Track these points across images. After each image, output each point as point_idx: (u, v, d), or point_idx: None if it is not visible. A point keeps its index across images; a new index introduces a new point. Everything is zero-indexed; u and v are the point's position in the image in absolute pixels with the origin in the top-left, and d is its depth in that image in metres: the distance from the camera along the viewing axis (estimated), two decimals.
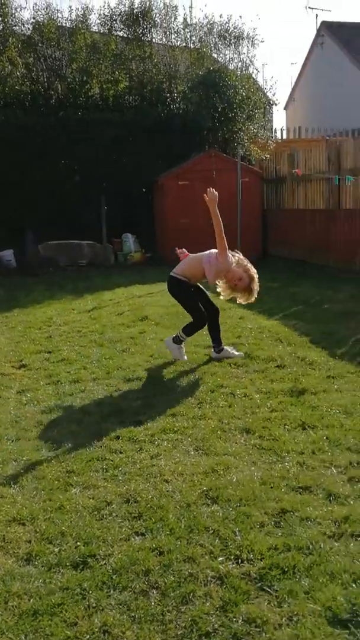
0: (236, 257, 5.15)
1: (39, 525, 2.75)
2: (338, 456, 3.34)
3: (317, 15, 23.57)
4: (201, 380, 4.81)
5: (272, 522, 2.69)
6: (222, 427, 3.85)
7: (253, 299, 5.12)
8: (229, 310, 7.61)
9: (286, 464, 3.27)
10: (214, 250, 5.18)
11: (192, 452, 3.49)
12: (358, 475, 3.09)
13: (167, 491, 3.01)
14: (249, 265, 5.08)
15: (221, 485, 3.03)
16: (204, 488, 3.02)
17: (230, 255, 5.10)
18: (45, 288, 10.11)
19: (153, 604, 2.19)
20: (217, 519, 2.72)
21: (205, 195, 5.15)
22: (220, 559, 2.44)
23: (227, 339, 6.03)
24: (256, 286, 5.06)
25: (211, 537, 2.59)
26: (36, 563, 2.46)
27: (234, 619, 2.10)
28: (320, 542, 2.51)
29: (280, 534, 2.59)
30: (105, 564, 2.43)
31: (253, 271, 5.07)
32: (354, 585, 2.23)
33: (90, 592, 2.26)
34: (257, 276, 5.07)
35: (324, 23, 22.45)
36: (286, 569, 2.34)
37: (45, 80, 13.61)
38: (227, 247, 5.05)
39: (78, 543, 2.59)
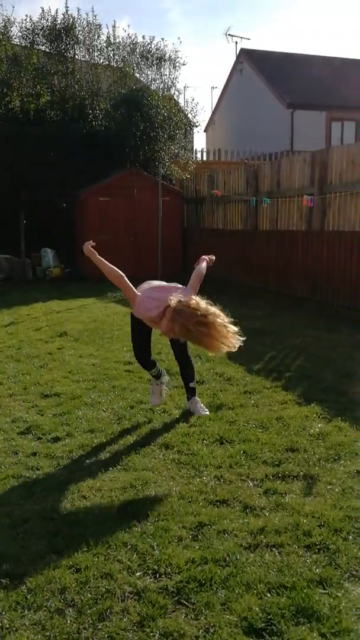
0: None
1: None
2: (254, 469, 3.41)
3: (236, 43, 24.24)
4: (120, 396, 4.79)
5: (190, 536, 2.71)
6: (141, 442, 3.85)
7: (216, 346, 3.27)
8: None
9: (204, 478, 3.31)
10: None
11: (111, 468, 3.47)
12: (273, 487, 3.17)
13: (85, 507, 2.98)
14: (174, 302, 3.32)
15: (139, 500, 3.03)
16: (123, 503, 3.00)
17: (143, 298, 3.68)
18: None
19: (69, 622, 2.15)
20: (135, 534, 2.71)
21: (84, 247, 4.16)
22: (138, 574, 2.43)
23: None
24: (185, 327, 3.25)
25: (129, 553, 2.57)
26: None
27: (151, 634, 2.09)
28: (236, 553, 2.55)
29: (197, 547, 2.61)
30: (19, 583, 2.37)
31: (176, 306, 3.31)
32: (268, 594, 2.28)
33: (4, 613, 2.19)
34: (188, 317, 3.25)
35: (243, 50, 23.19)
36: (203, 582, 2.36)
37: None
38: (132, 295, 3.72)
39: None
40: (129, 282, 3.76)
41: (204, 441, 3.85)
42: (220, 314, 3.24)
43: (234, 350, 3.26)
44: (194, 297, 3.41)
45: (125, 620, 2.16)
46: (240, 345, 3.30)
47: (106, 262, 3.88)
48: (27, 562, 2.52)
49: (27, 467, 3.48)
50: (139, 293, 3.75)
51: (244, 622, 2.14)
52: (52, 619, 2.17)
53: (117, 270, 3.82)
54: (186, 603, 2.25)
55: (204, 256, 4.20)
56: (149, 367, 4.38)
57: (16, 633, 2.09)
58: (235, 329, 3.26)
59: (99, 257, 3.95)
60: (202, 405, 4.45)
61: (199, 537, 2.70)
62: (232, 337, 3.24)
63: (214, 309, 3.26)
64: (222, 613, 2.19)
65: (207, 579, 2.37)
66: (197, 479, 3.29)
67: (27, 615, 2.19)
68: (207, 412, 4.36)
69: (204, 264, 4.09)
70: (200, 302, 3.31)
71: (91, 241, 4.16)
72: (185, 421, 4.22)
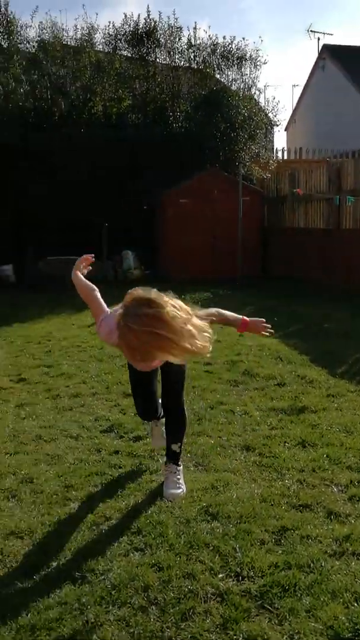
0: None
1: (37, 539, 2.72)
2: (338, 474, 3.32)
3: (318, 39, 23.83)
4: (200, 397, 4.80)
5: (273, 540, 2.67)
6: (222, 443, 3.83)
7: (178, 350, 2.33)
8: (228, 328, 7.61)
9: (286, 481, 3.25)
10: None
11: (192, 468, 3.47)
12: (359, 494, 3.07)
13: (167, 507, 2.99)
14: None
15: (221, 501, 3.01)
16: (204, 504, 3.00)
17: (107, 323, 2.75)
18: (44, 303, 10.11)
19: (152, 620, 2.16)
20: (217, 536, 2.70)
21: None
22: (221, 575, 2.41)
23: (226, 356, 6.04)
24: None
25: (211, 554, 2.56)
26: (35, 577, 2.43)
27: (235, 637, 2.07)
28: (321, 560, 2.49)
29: (280, 551, 2.57)
30: (104, 579, 2.41)
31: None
32: (355, 604, 2.21)
33: (89, 607, 2.23)
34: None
35: (325, 46, 22.75)
36: (287, 587, 2.32)
37: (49, 97, 13.74)
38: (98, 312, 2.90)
39: (76, 558, 2.56)
40: (100, 298, 2.94)
41: (286, 444, 3.79)
42: (180, 308, 2.32)
43: (207, 355, 2.46)
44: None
45: (208, 621, 2.15)
46: (209, 352, 2.46)
47: (82, 277, 3.13)
48: (110, 559, 2.56)
49: (110, 465, 3.54)
50: (108, 310, 2.82)
51: (330, 630, 2.09)
52: (136, 616, 2.19)
53: (90, 284, 3.06)
54: (270, 608, 2.22)
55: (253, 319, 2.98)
56: (157, 415, 3.45)
57: (101, 628, 2.12)
58: (207, 329, 2.44)
59: (80, 276, 3.14)
60: (181, 480, 3.21)
61: (282, 541, 2.66)
62: (200, 338, 2.37)
63: (174, 302, 2.32)
64: (307, 620, 2.14)
65: (291, 585, 2.33)
66: (279, 482, 3.24)
67: (112, 610, 2.22)
68: (182, 492, 3.13)
69: (238, 318, 2.92)
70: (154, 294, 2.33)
71: (83, 263, 3.26)
72: (266, 423, 4.17)
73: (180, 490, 3.15)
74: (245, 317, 2.91)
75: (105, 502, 3.07)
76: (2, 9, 14.34)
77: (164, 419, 3.45)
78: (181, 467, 3.28)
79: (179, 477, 3.22)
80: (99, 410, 4.56)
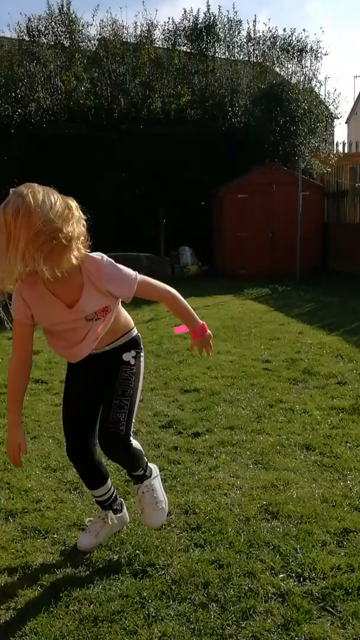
0: None
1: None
2: None
3: None
4: (259, 395, 4.76)
5: (335, 542, 2.62)
6: (282, 442, 3.79)
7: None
8: (287, 325, 7.54)
9: (348, 482, 3.19)
10: None
11: (251, 466, 3.45)
12: None
13: (226, 504, 2.98)
14: None
15: (281, 500, 2.98)
16: (264, 503, 2.98)
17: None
18: None
19: (213, 617, 2.16)
20: (277, 535, 2.67)
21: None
22: (282, 576, 2.39)
23: (286, 353, 5.97)
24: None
25: (272, 553, 2.54)
26: (96, 569, 2.47)
27: (296, 638, 2.05)
28: None
29: (343, 553, 2.52)
30: (164, 573, 2.42)
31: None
32: None
33: (150, 601, 2.25)
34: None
35: None
36: (350, 590, 2.27)
37: (109, 94, 13.89)
38: None
39: (137, 551, 2.58)
40: None
41: (347, 444, 3.72)
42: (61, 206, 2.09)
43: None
44: None
45: (269, 621, 2.13)
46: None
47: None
48: (170, 554, 2.57)
49: (169, 461, 3.55)
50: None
51: None
52: (196, 612, 2.19)
53: None
54: (332, 610, 2.18)
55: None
56: (90, 472, 2.65)
57: (162, 622, 2.13)
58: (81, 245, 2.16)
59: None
60: (157, 494, 2.63)
61: (345, 543, 2.61)
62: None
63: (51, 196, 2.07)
64: None
65: (354, 588, 2.28)
66: (341, 483, 3.18)
67: (172, 605, 2.23)
68: (163, 511, 2.63)
69: (197, 321, 2.57)
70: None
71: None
72: (326, 422, 4.10)
73: (161, 510, 2.61)
74: (205, 325, 2.58)
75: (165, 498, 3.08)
76: (64, 9, 14.58)
77: (113, 506, 2.67)
78: (150, 481, 2.63)
79: (154, 493, 2.61)
80: (158, 406, 4.58)
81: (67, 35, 14.56)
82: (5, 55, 13.92)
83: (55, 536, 2.72)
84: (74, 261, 2.12)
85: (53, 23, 14.55)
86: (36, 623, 2.13)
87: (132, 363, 2.53)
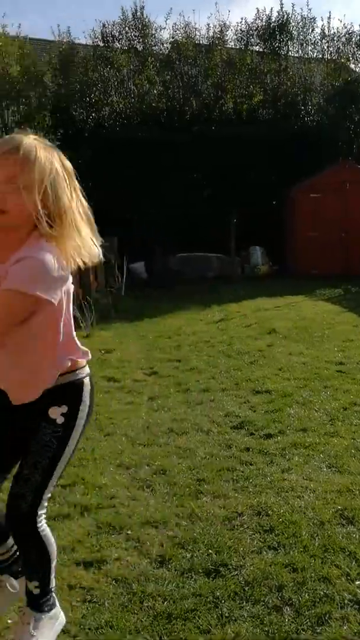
0: None
1: (171, 530, 2.78)
2: None
3: None
4: (333, 397, 4.67)
5: None
6: (356, 445, 3.71)
7: None
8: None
9: None
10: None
11: (325, 469, 3.39)
12: None
13: (300, 507, 2.94)
14: None
15: (357, 505, 2.91)
16: (339, 507, 2.92)
17: None
18: (174, 299, 10.32)
19: (287, 621, 2.14)
20: (353, 541, 2.61)
21: None
22: (358, 582, 2.33)
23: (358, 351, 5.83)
24: None
25: (347, 559, 2.48)
26: (169, 566, 2.49)
27: None
28: None
29: None
30: (237, 574, 2.41)
31: None
32: None
33: (223, 601, 2.24)
34: None
35: None
36: None
37: (181, 96, 13.98)
38: None
39: (210, 551, 2.59)
40: None
41: None
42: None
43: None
44: None
45: (345, 628, 2.09)
46: None
47: None
48: (243, 555, 2.56)
49: (241, 462, 3.54)
50: None
51: None
52: (270, 614, 2.17)
53: None
54: None
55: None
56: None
57: (235, 623, 2.13)
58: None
59: None
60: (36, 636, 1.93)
61: None
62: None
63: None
64: None
65: None
66: None
67: (245, 607, 2.22)
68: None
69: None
70: None
71: None
72: None
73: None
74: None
75: (237, 499, 3.07)
76: (138, 14, 14.79)
77: (9, 568, 2.13)
78: (43, 617, 1.95)
79: (33, 633, 1.92)
80: (229, 406, 4.57)
81: (140, 40, 14.77)
82: (80, 62, 14.25)
83: (129, 532, 2.76)
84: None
85: (127, 28, 14.80)
86: (111, 617, 2.16)
87: (59, 423, 1.86)
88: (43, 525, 1.91)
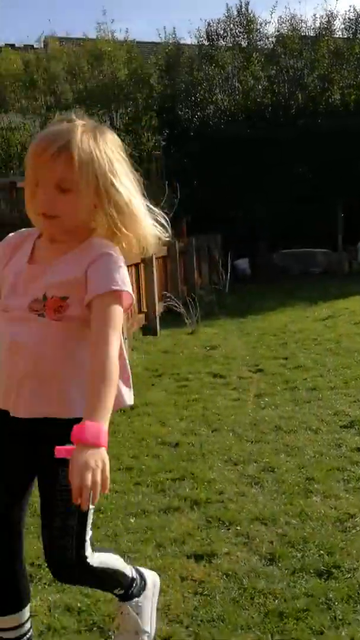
0: None
1: (280, 528, 2.76)
2: None
3: None
4: None
5: None
6: None
7: None
8: None
9: None
10: None
11: None
12: None
13: None
14: None
15: None
16: None
17: None
18: (278, 295, 10.21)
19: None
20: None
21: None
22: None
23: None
24: None
25: None
26: (279, 565, 2.46)
27: None
28: None
29: None
30: (350, 577, 2.35)
31: None
32: None
33: (336, 603, 2.19)
34: None
35: None
36: None
37: (286, 90, 13.78)
38: None
39: (321, 551, 2.53)
40: None
41: None
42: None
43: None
44: None
45: None
46: None
47: None
48: (356, 557, 2.48)
49: (352, 462, 3.44)
50: None
51: None
52: None
53: None
54: None
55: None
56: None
57: (350, 626, 2.07)
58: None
59: None
60: (148, 624, 1.89)
61: None
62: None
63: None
64: None
65: None
66: None
67: None
68: None
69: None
70: None
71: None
72: None
73: None
74: (101, 431, 1.39)
75: (348, 500, 2.99)
76: (243, 9, 14.73)
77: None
78: (147, 595, 1.90)
79: (139, 618, 1.86)
80: (338, 405, 4.46)
81: (245, 36, 14.70)
82: (185, 62, 14.42)
83: (238, 528, 2.76)
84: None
85: (231, 25, 14.78)
86: (222, 611, 2.17)
87: None
88: (94, 557, 1.66)
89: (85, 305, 1.54)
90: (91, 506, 1.48)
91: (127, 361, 1.70)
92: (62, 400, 1.57)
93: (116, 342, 1.51)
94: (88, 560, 1.65)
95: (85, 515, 1.61)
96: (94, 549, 1.68)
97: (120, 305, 1.54)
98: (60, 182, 1.52)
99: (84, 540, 1.63)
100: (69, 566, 1.64)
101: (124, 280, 1.55)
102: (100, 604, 2.20)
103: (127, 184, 1.60)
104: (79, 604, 2.21)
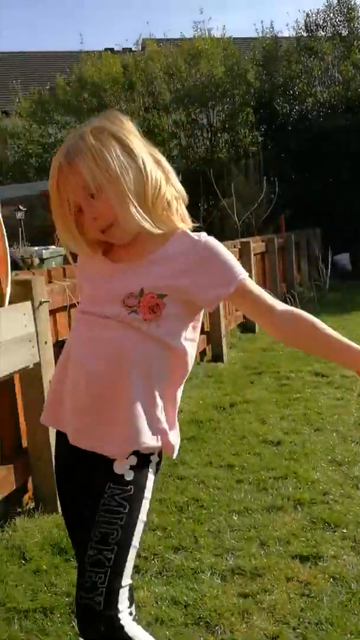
0: None
1: None
2: None
3: None
4: None
5: None
6: None
7: None
8: None
9: None
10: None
11: None
12: None
13: None
14: None
15: None
16: None
17: None
18: None
19: None
20: None
21: None
22: None
23: None
24: None
25: None
26: None
27: None
28: None
29: None
30: None
31: None
32: None
33: None
34: None
35: None
36: None
37: None
38: None
39: None
40: None
41: None
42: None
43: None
44: None
45: None
46: None
47: None
48: None
49: None
50: None
51: None
52: None
53: None
54: None
55: None
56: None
57: None
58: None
59: None
60: None
61: None
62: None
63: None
64: None
65: None
66: None
67: None
68: None
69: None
70: None
71: None
72: None
73: None
74: None
75: None
76: None
77: None
78: None
79: None
80: None
81: (346, 24, 14.29)
82: (283, 55, 14.21)
83: (344, 531, 2.68)
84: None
85: (331, 14, 14.41)
86: (330, 614, 2.12)
87: (128, 479, 1.40)
88: (128, 619, 1.35)
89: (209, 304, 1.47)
90: (133, 545, 1.38)
91: (177, 411, 1.53)
92: (125, 438, 1.40)
93: (279, 305, 1.47)
94: (120, 616, 1.33)
95: (124, 550, 1.36)
96: (133, 610, 1.38)
97: (242, 279, 1.44)
98: (85, 190, 1.38)
99: (117, 587, 1.34)
100: (94, 614, 1.33)
101: (235, 263, 1.45)
102: (207, 599, 2.22)
103: (150, 166, 1.42)
104: (185, 598, 2.24)
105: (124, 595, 1.35)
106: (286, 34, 15.17)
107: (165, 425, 1.44)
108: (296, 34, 14.76)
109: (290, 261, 10.04)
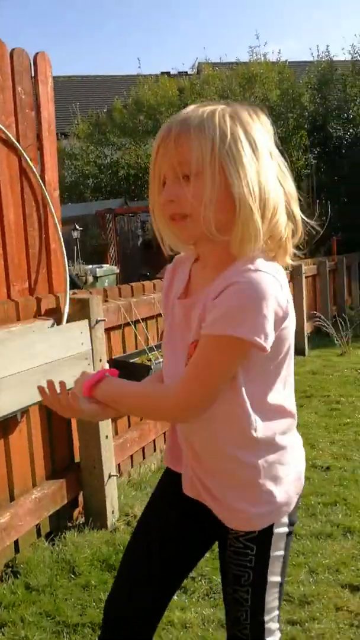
0: None
1: None
2: None
3: None
4: None
5: None
6: None
7: None
8: None
9: None
10: None
11: None
12: None
13: None
14: None
15: None
16: None
17: None
18: None
19: None
20: None
21: None
22: None
23: None
24: None
25: None
26: None
27: None
28: None
29: None
30: None
31: None
32: None
33: None
34: None
35: None
36: None
37: None
38: None
39: None
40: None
41: None
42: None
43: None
44: None
45: None
46: None
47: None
48: None
49: None
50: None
51: None
52: None
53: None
54: None
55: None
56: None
57: None
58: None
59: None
60: None
61: None
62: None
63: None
64: None
65: None
66: None
67: None
68: None
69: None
70: None
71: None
72: None
73: None
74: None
75: None
76: None
77: None
78: None
79: None
80: None
81: None
82: (338, 78, 14.18)
83: None
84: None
85: None
86: None
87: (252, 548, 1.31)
88: None
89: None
90: (274, 579, 1.31)
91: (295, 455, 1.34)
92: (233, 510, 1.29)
93: (193, 395, 1.19)
94: None
95: (261, 591, 1.30)
96: None
97: (231, 350, 1.14)
98: (181, 166, 1.16)
99: (261, 621, 1.32)
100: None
101: (248, 321, 1.10)
102: None
103: (270, 178, 1.19)
104: None
105: (267, 629, 1.33)
106: (341, 57, 15.14)
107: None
108: (352, 57, 14.71)
109: (341, 284, 9.93)
